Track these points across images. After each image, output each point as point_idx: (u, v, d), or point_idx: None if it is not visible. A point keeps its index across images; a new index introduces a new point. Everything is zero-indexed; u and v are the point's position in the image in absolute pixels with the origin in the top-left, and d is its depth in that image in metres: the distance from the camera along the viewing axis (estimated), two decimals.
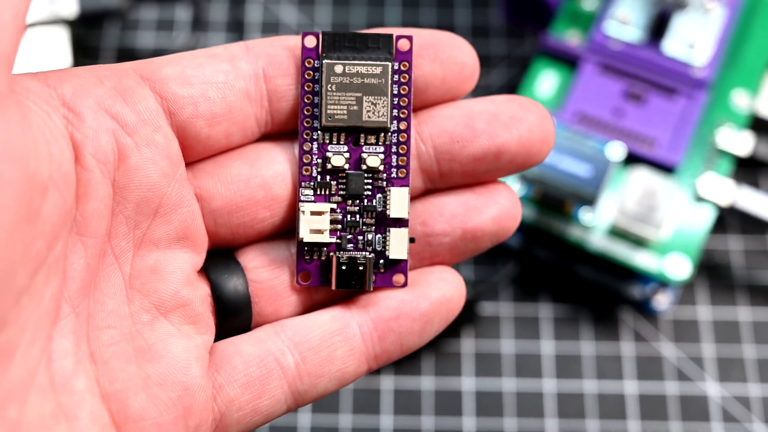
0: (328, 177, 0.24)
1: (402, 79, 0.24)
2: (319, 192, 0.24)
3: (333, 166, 0.24)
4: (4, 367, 0.19)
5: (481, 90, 0.45)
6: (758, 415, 0.38)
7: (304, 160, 0.24)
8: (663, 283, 0.38)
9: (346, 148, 0.24)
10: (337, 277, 0.24)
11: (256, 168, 0.24)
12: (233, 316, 0.24)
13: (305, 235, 0.23)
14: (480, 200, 0.25)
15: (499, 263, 0.41)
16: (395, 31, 0.24)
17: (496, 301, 0.40)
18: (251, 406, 0.23)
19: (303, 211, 0.23)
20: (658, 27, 0.40)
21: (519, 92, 0.41)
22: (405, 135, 0.24)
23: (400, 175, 0.24)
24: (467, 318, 0.39)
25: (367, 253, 0.24)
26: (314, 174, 0.24)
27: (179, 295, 0.23)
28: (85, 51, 0.46)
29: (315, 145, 0.24)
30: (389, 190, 0.24)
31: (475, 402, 0.38)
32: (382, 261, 0.24)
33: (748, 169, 0.42)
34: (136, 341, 0.22)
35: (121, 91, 0.22)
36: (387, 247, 0.24)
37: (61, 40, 0.42)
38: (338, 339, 0.24)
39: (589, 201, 0.37)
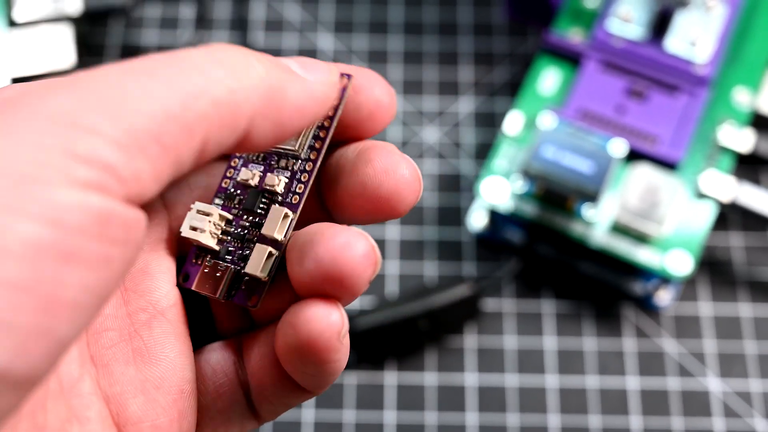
0: (238, 191, 0.24)
1: (329, 112, 0.24)
2: (226, 203, 0.24)
3: (241, 179, 0.24)
4: None
5: (485, 87, 0.45)
6: (759, 410, 0.38)
7: (227, 174, 0.25)
8: (665, 279, 0.38)
9: (261, 168, 0.24)
10: (197, 280, 0.24)
11: (215, 177, 0.25)
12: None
13: (184, 229, 0.24)
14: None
15: (502, 259, 0.41)
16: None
17: (498, 297, 0.40)
18: None
19: (191, 208, 0.24)
20: (660, 25, 0.40)
21: (522, 90, 0.41)
22: (311, 164, 0.24)
23: (293, 200, 0.24)
24: (470, 314, 0.39)
25: (234, 266, 0.24)
26: (229, 187, 0.24)
27: (172, 293, 0.23)
28: (90, 49, 0.46)
29: (240, 162, 0.25)
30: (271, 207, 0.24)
31: (478, 397, 0.38)
32: (246, 278, 0.24)
33: (749, 166, 0.42)
34: (135, 342, 0.23)
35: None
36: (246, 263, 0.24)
37: (66, 38, 0.42)
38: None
39: (592, 197, 0.37)
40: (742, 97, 0.40)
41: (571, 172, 0.37)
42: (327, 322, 0.21)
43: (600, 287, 0.40)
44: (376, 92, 0.23)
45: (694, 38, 0.39)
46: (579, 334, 0.40)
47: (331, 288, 0.21)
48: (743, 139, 0.39)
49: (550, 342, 0.39)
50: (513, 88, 0.45)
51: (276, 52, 0.46)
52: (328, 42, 0.47)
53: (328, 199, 0.24)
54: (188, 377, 0.23)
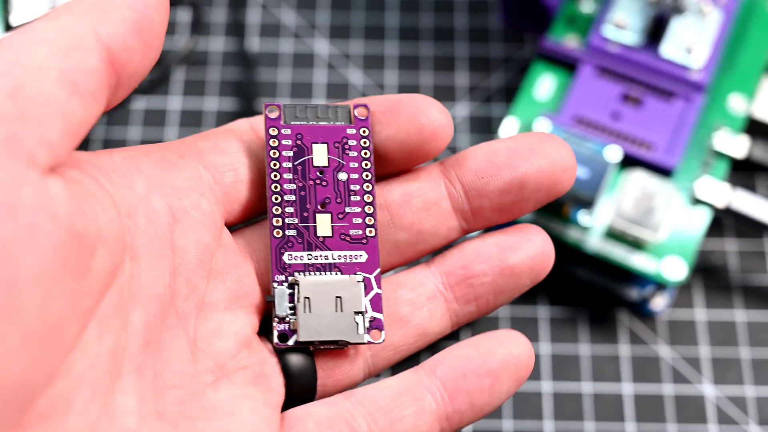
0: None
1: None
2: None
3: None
4: (59, 419, 0.19)
5: (481, 92, 0.45)
6: (753, 416, 0.38)
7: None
8: (660, 284, 0.38)
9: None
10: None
11: None
12: (299, 377, 0.24)
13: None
14: (514, 240, 0.26)
15: None
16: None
17: None
18: None
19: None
20: (655, 31, 0.40)
21: (518, 95, 0.41)
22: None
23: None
24: None
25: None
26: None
27: (240, 357, 0.23)
28: None
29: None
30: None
31: None
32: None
33: (744, 172, 0.43)
34: (202, 401, 0.22)
35: (166, 161, 0.24)
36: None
37: None
38: (407, 398, 0.24)
39: (587, 203, 0.37)
40: (737, 104, 0.40)
41: None
42: None
43: (595, 293, 0.40)
44: (433, 114, 0.24)
45: (689, 44, 0.39)
46: (574, 340, 0.40)
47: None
48: (738, 145, 0.39)
49: (544, 347, 0.39)
50: (509, 94, 0.45)
51: (272, 57, 0.46)
52: (324, 47, 0.47)
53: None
54: (264, 430, 0.23)
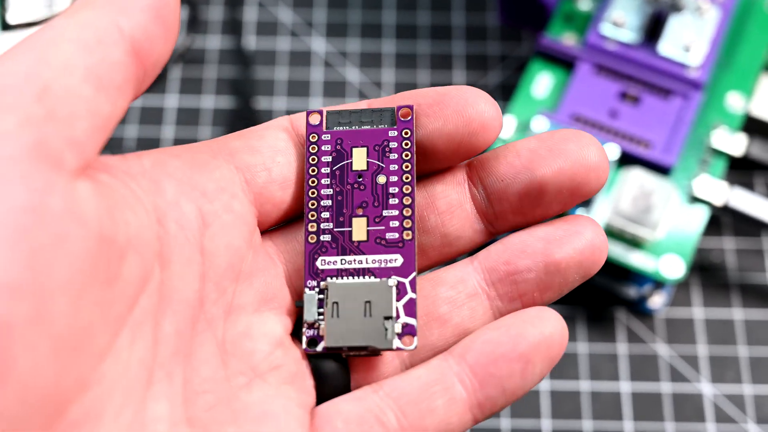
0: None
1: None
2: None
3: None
4: (92, 428, 0.19)
5: None
6: (751, 414, 0.38)
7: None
8: (658, 283, 0.38)
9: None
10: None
11: None
12: (330, 379, 0.24)
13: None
14: (561, 233, 0.24)
15: None
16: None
17: None
18: None
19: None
20: (653, 28, 0.40)
21: (515, 93, 0.41)
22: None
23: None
24: None
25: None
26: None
27: (273, 356, 0.23)
28: None
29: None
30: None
31: None
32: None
33: (741, 170, 0.43)
34: (234, 404, 0.22)
35: (197, 162, 0.23)
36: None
37: None
38: (437, 389, 0.23)
39: (585, 201, 0.37)
40: (735, 102, 0.40)
41: None
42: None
43: (593, 291, 0.40)
44: (481, 106, 0.24)
45: (687, 42, 0.39)
46: (572, 338, 0.40)
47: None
48: (736, 143, 0.39)
49: None
50: (506, 92, 0.45)
51: (269, 55, 0.46)
52: (321, 45, 0.47)
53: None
54: None
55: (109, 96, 0.20)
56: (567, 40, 0.41)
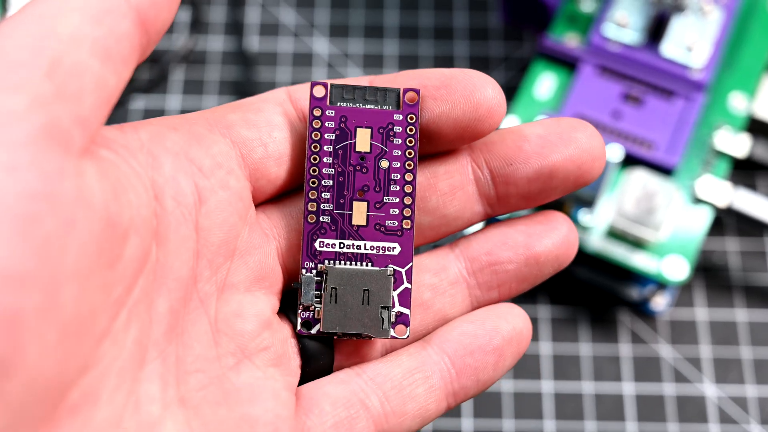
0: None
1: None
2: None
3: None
4: (89, 410, 0.19)
5: None
6: (755, 416, 0.38)
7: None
8: (661, 284, 0.38)
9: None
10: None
11: None
12: (316, 359, 0.24)
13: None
14: (540, 228, 0.25)
15: None
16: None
17: None
18: None
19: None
20: (656, 29, 0.40)
21: (518, 94, 0.41)
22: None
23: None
24: None
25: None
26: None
27: (261, 338, 0.23)
28: None
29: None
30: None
31: (473, 403, 0.38)
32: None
33: (745, 171, 0.42)
34: (224, 385, 0.22)
35: (194, 136, 0.23)
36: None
37: None
38: (418, 377, 0.24)
39: (588, 202, 0.37)
40: (738, 102, 0.40)
41: None
42: None
43: (596, 292, 0.40)
44: (489, 92, 0.24)
45: (690, 43, 0.39)
46: (575, 340, 0.40)
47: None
48: (739, 144, 0.39)
49: (545, 347, 0.39)
50: (509, 93, 0.45)
51: (271, 56, 0.46)
52: (323, 46, 0.47)
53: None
54: (284, 415, 0.22)
55: (116, 68, 0.20)
56: (570, 41, 0.41)
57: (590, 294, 0.40)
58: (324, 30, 0.47)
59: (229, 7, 0.48)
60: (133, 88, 0.44)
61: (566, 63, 0.41)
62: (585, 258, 0.39)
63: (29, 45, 0.19)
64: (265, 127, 0.24)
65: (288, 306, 0.24)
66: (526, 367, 0.39)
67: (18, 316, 0.17)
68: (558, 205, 0.38)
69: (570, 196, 0.37)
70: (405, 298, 0.24)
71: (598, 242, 0.38)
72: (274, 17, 0.48)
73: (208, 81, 0.45)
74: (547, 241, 0.25)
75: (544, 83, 0.41)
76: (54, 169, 0.18)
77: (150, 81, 0.44)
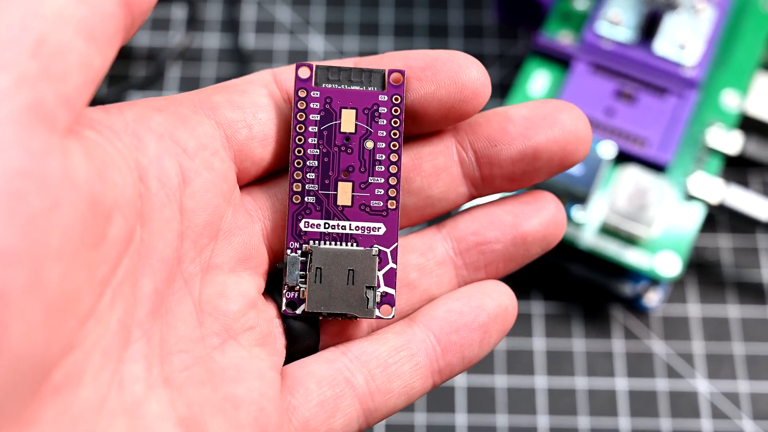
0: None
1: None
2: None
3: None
4: (73, 390, 0.19)
5: None
6: (747, 411, 0.38)
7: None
8: (653, 280, 0.38)
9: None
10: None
11: None
12: (301, 339, 0.24)
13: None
14: (527, 208, 0.25)
15: None
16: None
17: None
18: (326, 426, 0.23)
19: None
20: (648, 27, 0.40)
21: (512, 92, 0.41)
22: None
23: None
24: None
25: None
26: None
27: (246, 317, 0.23)
28: None
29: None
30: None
31: (467, 398, 0.39)
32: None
33: (737, 168, 0.43)
34: (209, 364, 0.22)
35: (179, 117, 0.23)
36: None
37: None
38: (404, 354, 0.24)
39: (581, 199, 0.37)
40: (730, 100, 0.40)
41: (561, 174, 0.37)
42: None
43: (589, 288, 0.41)
44: (473, 73, 0.24)
45: (682, 41, 0.40)
46: (568, 335, 0.40)
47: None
48: (731, 142, 0.40)
49: (539, 343, 0.40)
50: (503, 90, 0.45)
51: (267, 54, 0.46)
52: (319, 43, 0.47)
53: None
54: (269, 395, 0.23)
55: (101, 48, 0.20)
56: (563, 38, 0.41)
57: (583, 290, 0.41)
58: (319, 27, 0.47)
59: (225, 4, 0.48)
60: (129, 84, 0.44)
61: (560, 60, 0.41)
62: (578, 254, 0.39)
63: (14, 24, 0.19)
64: (250, 109, 0.24)
65: (273, 286, 0.25)
66: (519, 362, 0.39)
67: (3, 293, 0.17)
68: None
69: (563, 192, 0.37)
70: (390, 279, 0.24)
71: (591, 239, 0.38)
72: (270, 14, 0.48)
73: (204, 78, 0.46)
74: (534, 220, 0.25)
75: (538, 80, 0.41)
76: (39, 147, 0.18)
77: (146, 78, 0.44)
